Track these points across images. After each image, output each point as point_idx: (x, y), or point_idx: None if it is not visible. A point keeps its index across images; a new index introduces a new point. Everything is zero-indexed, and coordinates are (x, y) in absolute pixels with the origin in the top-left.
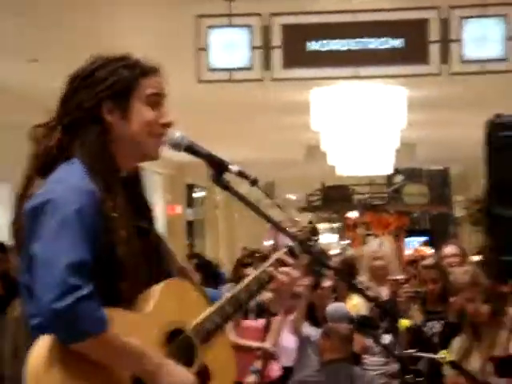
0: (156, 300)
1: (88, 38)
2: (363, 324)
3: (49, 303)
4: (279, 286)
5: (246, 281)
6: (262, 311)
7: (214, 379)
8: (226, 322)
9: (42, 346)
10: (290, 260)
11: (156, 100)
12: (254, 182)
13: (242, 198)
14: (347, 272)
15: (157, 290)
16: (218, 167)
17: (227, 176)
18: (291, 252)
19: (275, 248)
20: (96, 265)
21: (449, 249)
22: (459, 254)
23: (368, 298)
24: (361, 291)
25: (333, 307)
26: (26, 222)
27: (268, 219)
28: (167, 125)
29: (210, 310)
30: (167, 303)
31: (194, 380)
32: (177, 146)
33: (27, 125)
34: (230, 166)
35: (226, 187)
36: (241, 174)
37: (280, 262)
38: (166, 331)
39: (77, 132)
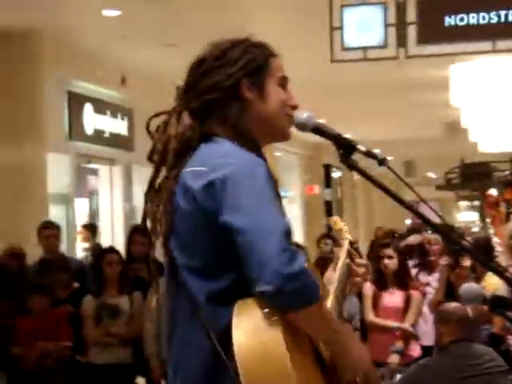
0: None
1: (223, 21)
2: (497, 304)
3: (280, 268)
4: (356, 277)
5: (339, 271)
6: None
7: None
8: (341, 309)
9: (247, 311)
10: (354, 251)
11: (284, 82)
12: (382, 162)
13: (371, 179)
14: (483, 252)
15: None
16: (345, 147)
17: (358, 156)
18: (351, 244)
19: (412, 228)
20: None
21: None
22: None
23: (506, 279)
24: (498, 272)
25: (466, 287)
26: (201, 196)
27: (396, 199)
28: (295, 107)
29: (332, 296)
30: None
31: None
32: (304, 126)
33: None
34: (357, 146)
35: (354, 168)
36: (368, 154)
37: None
38: None
39: (212, 113)
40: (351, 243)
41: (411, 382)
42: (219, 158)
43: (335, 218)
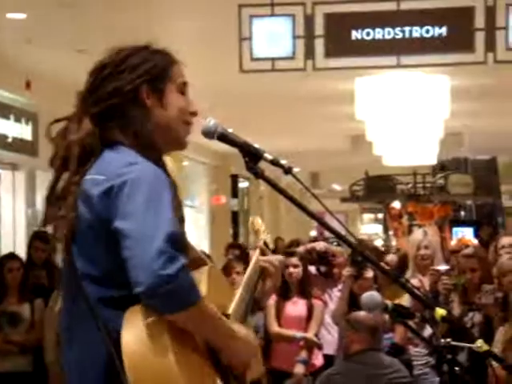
0: (206, 283)
1: (134, 28)
2: (398, 313)
3: (156, 270)
4: (266, 273)
5: (249, 271)
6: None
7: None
8: (248, 311)
9: (135, 319)
10: (267, 250)
11: (185, 89)
12: (288, 171)
13: (276, 188)
14: (399, 266)
15: (203, 274)
16: (251, 156)
17: (266, 166)
18: (266, 245)
19: (315, 239)
20: None
21: (506, 240)
22: None
23: (408, 290)
24: (400, 282)
25: (367, 296)
26: (97, 203)
27: (303, 209)
28: (195, 113)
29: (236, 300)
30: (212, 288)
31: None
32: (210, 133)
33: None
34: (264, 155)
35: (260, 176)
36: (275, 163)
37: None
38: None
39: (113, 119)
40: (266, 243)
41: None
42: (118, 167)
43: (253, 218)
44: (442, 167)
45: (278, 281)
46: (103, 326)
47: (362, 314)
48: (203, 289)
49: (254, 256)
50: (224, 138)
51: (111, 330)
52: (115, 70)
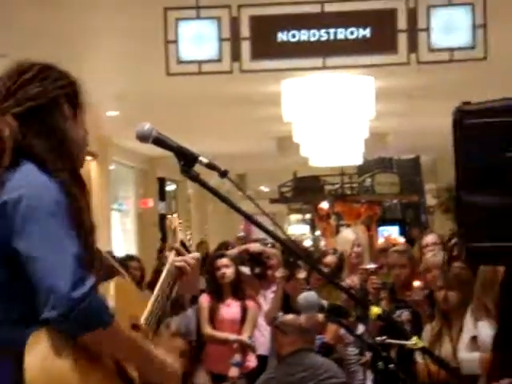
0: (113, 296)
1: (56, 31)
2: (334, 313)
3: (67, 293)
4: (182, 273)
5: (163, 274)
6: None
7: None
8: (163, 316)
9: (37, 342)
10: (183, 250)
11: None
12: (223, 174)
13: (211, 190)
14: (338, 267)
15: (111, 285)
16: (187, 159)
17: (197, 168)
18: (183, 244)
19: (244, 241)
20: None
21: (429, 238)
22: (439, 243)
23: (341, 289)
24: (334, 282)
25: (303, 296)
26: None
27: (239, 211)
28: (89, 154)
29: (148, 308)
30: (121, 299)
31: (178, 373)
32: (145, 137)
33: None
34: (199, 158)
35: (195, 179)
36: (210, 166)
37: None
38: (130, 326)
39: (31, 122)
40: (182, 243)
41: None
42: (17, 179)
43: (170, 217)
44: (367, 167)
45: (195, 279)
46: (5, 347)
47: (289, 316)
48: (111, 303)
49: (169, 258)
50: (159, 141)
51: (13, 351)
52: (38, 75)
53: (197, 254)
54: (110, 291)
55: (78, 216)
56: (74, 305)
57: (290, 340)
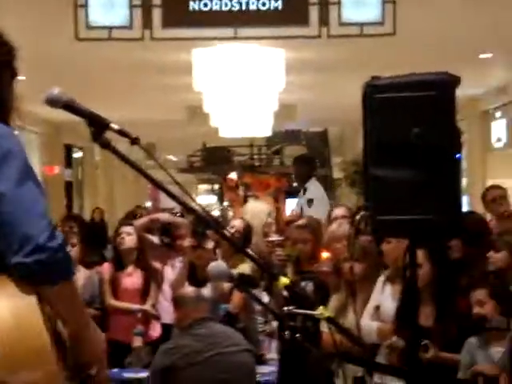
0: None
1: None
2: (243, 282)
3: (42, 242)
4: None
5: None
6: None
7: None
8: None
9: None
10: None
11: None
12: (135, 141)
13: (123, 158)
14: (244, 237)
15: None
16: (98, 125)
17: (108, 135)
18: None
19: (155, 209)
20: None
21: (339, 210)
22: (348, 216)
23: (251, 258)
24: (244, 251)
25: (213, 266)
26: None
27: (150, 179)
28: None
29: None
30: None
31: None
32: (55, 102)
33: None
34: (110, 125)
35: (106, 146)
36: (122, 133)
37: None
38: None
39: None
40: None
41: (160, 369)
42: None
43: None
44: (276, 139)
45: None
46: None
47: (186, 289)
48: None
49: None
50: (70, 107)
51: None
52: None
53: None
54: None
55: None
56: (51, 253)
57: (189, 310)
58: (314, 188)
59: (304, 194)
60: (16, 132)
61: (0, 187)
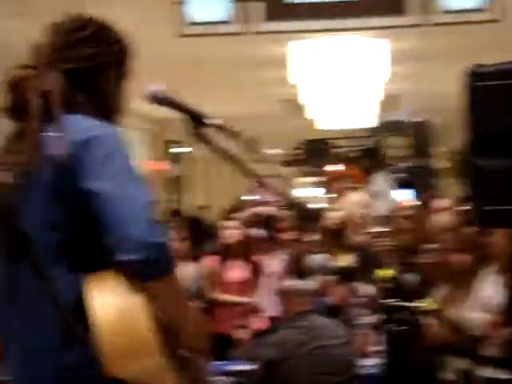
0: None
1: None
2: (344, 274)
3: (144, 239)
4: None
5: None
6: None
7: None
8: None
9: (104, 281)
10: None
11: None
12: (236, 136)
13: (223, 152)
14: (339, 229)
15: None
16: (197, 120)
17: (208, 130)
18: None
19: (258, 202)
20: None
21: (441, 202)
22: (451, 207)
23: (352, 250)
24: (345, 244)
25: (313, 259)
26: (60, 164)
27: (251, 174)
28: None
29: None
30: None
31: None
32: (155, 99)
33: None
34: (211, 120)
35: (206, 141)
36: (222, 128)
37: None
38: None
39: (80, 81)
40: None
41: (265, 361)
42: (85, 125)
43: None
44: (378, 130)
45: None
46: (57, 294)
47: (292, 281)
48: None
49: None
50: (171, 103)
51: (66, 299)
52: (94, 35)
53: None
54: None
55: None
56: (153, 250)
57: (293, 303)
58: (379, 181)
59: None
60: (120, 129)
61: (104, 186)
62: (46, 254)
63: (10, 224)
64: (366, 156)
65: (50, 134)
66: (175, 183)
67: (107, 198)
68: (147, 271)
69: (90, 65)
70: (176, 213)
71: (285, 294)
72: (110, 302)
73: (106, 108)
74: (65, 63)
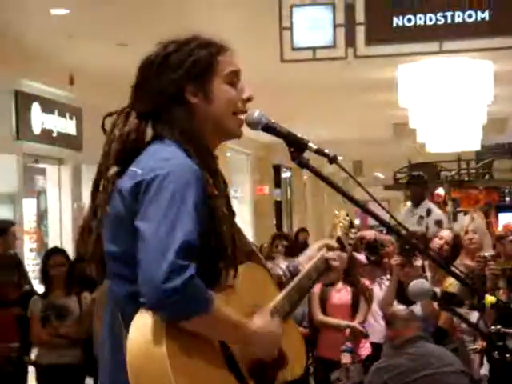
0: (239, 281)
1: (175, 20)
2: (446, 301)
3: (159, 283)
4: (333, 268)
5: (307, 268)
6: None
7: (289, 363)
8: (294, 309)
9: (143, 319)
10: (335, 245)
11: (234, 77)
12: (332, 160)
13: (321, 177)
14: (452, 252)
15: (239, 271)
16: (297, 145)
17: (310, 155)
18: (339, 241)
19: (363, 226)
20: (200, 243)
21: None
22: None
23: (456, 277)
24: (449, 270)
25: (414, 284)
26: (128, 197)
27: (349, 198)
28: (248, 100)
29: (281, 295)
30: (247, 286)
31: (279, 333)
32: (255, 124)
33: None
34: (309, 144)
35: (305, 165)
36: (320, 152)
37: (330, 248)
38: (248, 314)
39: (159, 117)
40: (339, 239)
41: None
42: (156, 161)
43: (336, 213)
44: (485, 153)
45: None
46: (126, 323)
47: (398, 307)
48: (233, 287)
49: (318, 254)
50: (269, 128)
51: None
52: (159, 68)
53: (341, 254)
54: (238, 275)
55: (212, 202)
56: (164, 296)
57: (401, 329)
58: (436, 209)
59: (429, 215)
60: (228, 153)
61: (141, 226)
62: (116, 284)
63: None
64: (415, 183)
65: (130, 169)
66: (281, 207)
67: (141, 238)
68: (164, 314)
69: (162, 101)
70: (279, 236)
71: (392, 320)
72: (140, 338)
73: (189, 134)
74: (141, 103)
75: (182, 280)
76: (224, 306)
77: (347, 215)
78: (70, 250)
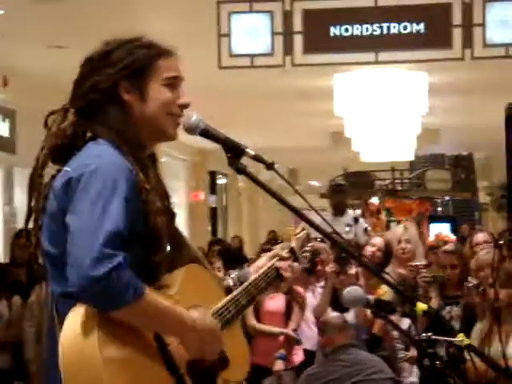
0: (179, 283)
1: (111, 23)
2: (380, 308)
3: (85, 271)
4: (284, 278)
5: (256, 275)
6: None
7: (231, 367)
8: (239, 314)
9: (75, 315)
10: (286, 255)
11: (173, 82)
12: (270, 166)
13: (259, 183)
14: (384, 258)
15: (179, 273)
16: (234, 151)
17: (246, 162)
18: (292, 252)
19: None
20: (132, 237)
21: (480, 236)
22: (490, 241)
23: (388, 284)
24: (382, 277)
25: (348, 291)
26: (59, 195)
27: (287, 205)
28: (184, 106)
29: (226, 299)
30: (188, 288)
31: (216, 329)
32: (192, 129)
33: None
34: (246, 150)
35: (242, 172)
36: (257, 158)
37: (282, 258)
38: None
39: (94, 114)
40: (292, 250)
41: None
42: (85, 158)
43: (289, 228)
44: (419, 163)
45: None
46: (60, 320)
47: (330, 315)
48: (172, 288)
49: (269, 263)
50: (206, 133)
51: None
52: (97, 64)
53: (293, 265)
54: (176, 276)
55: (144, 196)
56: (91, 284)
57: (334, 336)
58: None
59: (357, 222)
60: (163, 159)
61: (70, 220)
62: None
63: None
64: (335, 192)
65: (64, 169)
66: (214, 214)
67: (70, 232)
68: (92, 303)
69: (95, 96)
70: (214, 242)
71: (325, 327)
72: (70, 338)
73: (123, 132)
74: (78, 100)
75: (109, 268)
76: (159, 297)
77: (304, 229)
78: (0, 253)
